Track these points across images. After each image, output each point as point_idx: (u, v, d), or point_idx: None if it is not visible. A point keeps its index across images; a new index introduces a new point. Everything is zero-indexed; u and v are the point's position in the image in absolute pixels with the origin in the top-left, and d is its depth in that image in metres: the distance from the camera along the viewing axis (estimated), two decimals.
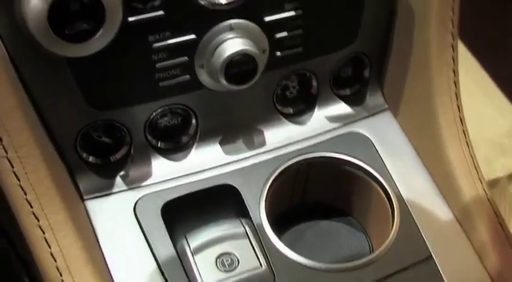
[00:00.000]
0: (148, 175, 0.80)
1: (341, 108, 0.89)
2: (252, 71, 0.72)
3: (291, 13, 0.73)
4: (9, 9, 0.61)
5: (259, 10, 0.72)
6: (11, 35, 0.63)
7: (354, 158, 0.83)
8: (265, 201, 0.77)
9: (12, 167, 0.65)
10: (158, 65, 0.71)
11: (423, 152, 0.85)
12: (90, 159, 0.78)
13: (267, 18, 0.72)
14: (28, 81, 0.67)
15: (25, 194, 0.66)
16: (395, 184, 0.81)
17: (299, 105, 0.88)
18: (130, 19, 0.66)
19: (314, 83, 0.86)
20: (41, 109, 0.70)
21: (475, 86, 1.64)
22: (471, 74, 1.63)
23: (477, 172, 0.79)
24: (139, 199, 0.77)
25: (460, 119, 0.80)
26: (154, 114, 0.78)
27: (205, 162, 0.82)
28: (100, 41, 0.62)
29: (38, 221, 0.66)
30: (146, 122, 0.78)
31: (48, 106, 0.70)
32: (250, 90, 0.75)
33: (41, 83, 0.68)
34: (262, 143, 0.84)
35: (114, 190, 0.78)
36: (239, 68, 0.70)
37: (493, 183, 1.49)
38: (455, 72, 0.80)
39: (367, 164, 0.82)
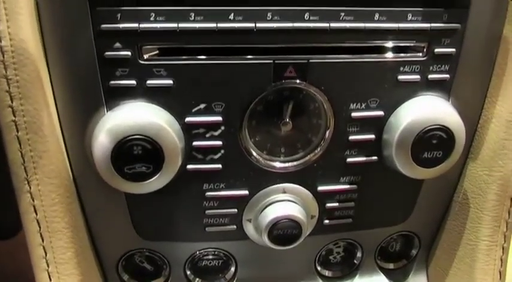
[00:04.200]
0: None
1: None
2: (296, 236, 0.70)
3: (346, 186, 0.72)
4: (81, 141, 0.64)
5: (313, 179, 0.71)
6: (78, 161, 0.66)
7: None
8: None
9: (50, 280, 0.66)
10: (208, 211, 0.71)
11: None
12: (128, 280, 0.79)
13: (320, 188, 0.72)
14: (86, 204, 0.69)
15: None
16: None
17: (340, 271, 0.85)
18: (189, 167, 0.67)
19: (358, 254, 0.84)
20: (92, 230, 0.72)
21: None
22: None
23: None
24: None
25: None
26: (197, 253, 0.78)
27: None
28: (156, 183, 0.63)
29: None
30: (188, 258, 0.78)
31: (100, 228, 0.72)
32: (293, 249, 0.73)
33: (98, 207, 0.70)
34: None
35: None
36: (283, 231, 0.69)
37: None
38: (501, 274, 0.76)
39: None
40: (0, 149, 0.63)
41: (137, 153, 0.61)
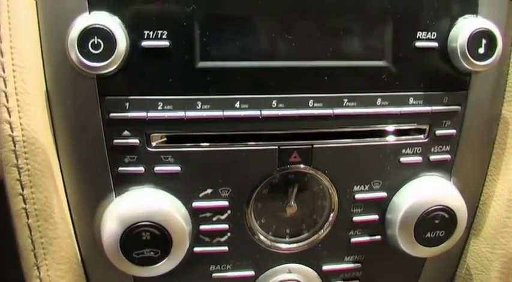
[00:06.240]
0: None
1: None
2: None
3: (350, 265, 0.72)
4: (90, 226, 0.65)
5: (318, 258, 0.71)
6: (87, 245, 0.66)
7: None
8: None
9: None
10: None
11: None
12: None
13: (325, 267, 0.71)
14: None
15: None
16: None
17: None
18: (196, 249, 0.67)
19: None
20: None
21: None
22: None
23: None
24: None
25: None
26: None
27: None
28: (164, 266, 0.63)
29: None
30: None
31: None
32: None
33: None
34: None
35: None
36: None
37: None
38: None
39: None
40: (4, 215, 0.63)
41: (145, 238, 0.61)
